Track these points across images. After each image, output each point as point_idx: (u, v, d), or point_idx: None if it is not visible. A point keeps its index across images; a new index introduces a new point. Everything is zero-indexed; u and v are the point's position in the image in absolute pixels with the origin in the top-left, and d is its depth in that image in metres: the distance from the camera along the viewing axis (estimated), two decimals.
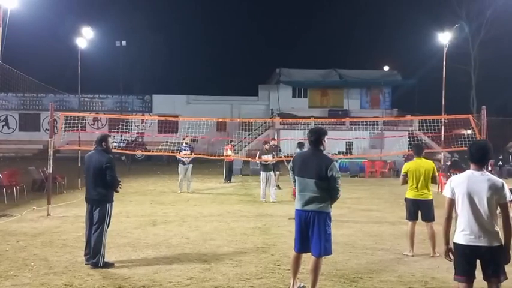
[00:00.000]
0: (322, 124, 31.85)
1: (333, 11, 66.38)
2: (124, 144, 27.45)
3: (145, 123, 34.19)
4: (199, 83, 50.21)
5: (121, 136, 29.07)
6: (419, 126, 25.49)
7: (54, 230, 8.61)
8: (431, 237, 7.08)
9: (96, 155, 6.43)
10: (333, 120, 28.54)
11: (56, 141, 12.33)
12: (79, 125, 15.88)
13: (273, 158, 13.57)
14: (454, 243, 4.19)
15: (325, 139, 5.31)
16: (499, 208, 4.09)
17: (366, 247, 7.59)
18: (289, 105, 39.16)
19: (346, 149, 27.84)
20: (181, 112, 35.28)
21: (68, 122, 14.18)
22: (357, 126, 28.11)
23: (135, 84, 43.32)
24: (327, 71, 41.53)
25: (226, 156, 18.30)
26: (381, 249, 7.47)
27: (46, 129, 34.15)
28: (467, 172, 4.20)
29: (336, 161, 6.97)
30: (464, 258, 4.09)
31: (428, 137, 25.93)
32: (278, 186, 14.82)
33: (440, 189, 14.64)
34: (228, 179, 18.78)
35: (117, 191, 6.49)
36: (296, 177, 5.28)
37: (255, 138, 33.30)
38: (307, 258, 5.30)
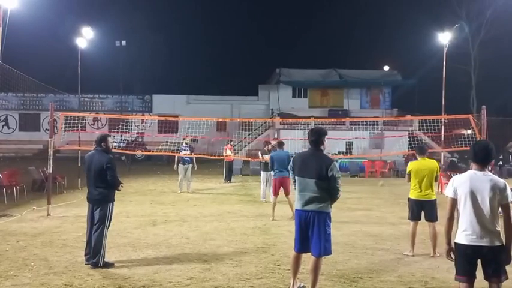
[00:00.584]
0: (322, 124, 31.89)
1: (333, 11, 66.42)
2: (124, 144, 27.45)
3: (145, 123, 34.19)
4: (199, 83, 50.25)
5: (121, 136, 29.07)
6: (419, 126, 25.47)
7: (54, 230, 8.61)
8: (432, 237, 7.08)
9: (96, 155, 6.44)
10: (333, 120, 28.55)
11: (56, 141, 12.33)
12: (79, 125, 15.88)
13: None
14: (455, 243, 4.19)
15: (325, 139, 5.31)
16: (500, 208, 4.10)
17: (366, 247, 7.58)
18: (289, 105, 39.15)
19: (346, 149, 27.84)
20: (181, 112, 35.28)
21: (68, 122, 14.18)
22: (357, 126, 28.11)
23: (135, 84, 43.34)
24: (327, 71, 41.53)
25: (226, 156, 18.30)
26: (381, 249, 7.47)
27: (46, 129, 34.16)
28: (470, 172, 4.19)
29: (336, 161, 6.98)
30: (466, 258, 4.09)
31: (428, 137, 25.91)
32: None
33: (440, 189, 14.65)
34: (228, 179, 18.78)
35: (118, 190, 6.51)
36: (296, 177, 5.28)
37: (255, 138, 33.31)
38: (307, 258, 5.30)
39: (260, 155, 14.46)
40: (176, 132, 25.22)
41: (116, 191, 6.53)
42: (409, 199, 7.40)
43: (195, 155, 15.68)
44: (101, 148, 6.50)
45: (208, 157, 16.78)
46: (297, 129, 31.22)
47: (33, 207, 11.07)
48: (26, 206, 11.43)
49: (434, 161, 7.54)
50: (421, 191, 7.15)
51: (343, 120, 29.81)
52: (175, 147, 16.46)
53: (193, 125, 20.99)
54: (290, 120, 28.91)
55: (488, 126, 11.29)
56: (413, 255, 7.03)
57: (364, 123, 30.81)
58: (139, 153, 26.18)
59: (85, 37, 20.07)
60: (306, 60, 59.26)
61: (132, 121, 31.38)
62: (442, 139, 20.38)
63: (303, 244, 5.19)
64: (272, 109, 39.28)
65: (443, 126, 20.08)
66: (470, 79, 40.46)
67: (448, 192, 4.23)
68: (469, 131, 14.77)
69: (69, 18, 37.68)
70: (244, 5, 68.29)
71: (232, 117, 36.45)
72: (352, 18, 64.09)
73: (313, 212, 5.07)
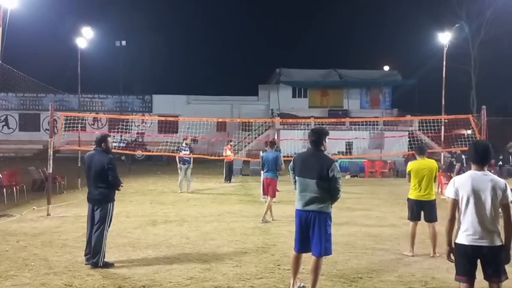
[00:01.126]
0: (322, 124, 31.93)
1: (333, 11, 66.42)
2: (124, 144, 27.47)
3: (145, 123, 34.20)
4: (199, 83, 50.26)
5: (121, 136, 29.09)
6: (419, 126, 25.51)
7: (54, 230, 8.61)
8: (432, 238, 7.08)
9: (96, 156, 6.43)
10: (333, 120, 28.57)
11: (56, 141, 12.34)
12: (79, 125, 15.89)
13: None
14: (455, 243, 4.18)
15: (326, 139, 5.30)
16: (500, 208, 4.10)
17: (366, 247, 7.58)
18: (289, 105, 39.16)
19: (346, 149, 27.85)
20: (181, 112, 35.28)
21: (68, 122, 14.19)
22: (357, 126, 28.12)
23: (135, 84, 43.36)
24: (327, 71, 41.53)
25: (226, 156, 18.31)
26: (381, 249, 7.47)
27: (46, 129, 34.16)
28: (470, 172, 4.19)
29: (336, 161, 6.99)
30: (466, 258, 4.09)
31: (428, 137, 25.93)
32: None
33: (440, 189, 14.65)
34: (228, 179, 18.78)
35: (118, 190, 6.52)
36: (297, 178, 5.28)
37: (255, 138, 33.31)
38: (307, 258, 5.30)
39: (260, 155, 14.46)
40: (176, 132, 25.24)
41: (116, 191, 6.53)
42: (408, 199, 7.40)
43: (194, 155, 15.70)
44: (101, 148, 6.50)
45: (208, 157, 16.80)
46: (297, 129, 31.21)
47: (33, 207, 11.07)
48: (26, 206, 11.43)
49: (434, 161, 7.54)
50: (420, 191, 7.14)
51: (343, 120, 29.81)
52: (176, 147, 16.44)
53: (193, 125, 21.01)
54: (290, 120, 28.92)
55: (488, 126, 11.30)
56: (413, 255, 7.03)
57: (364, 123, 30.82)
58: (139, 153, 26.18)
59: (85, 37, 20.07)
60: (306, 60, 59.34)
61: (132, 121, 31.41)
62: (442, 139, 20.40)
63: (303, 244, 5.19)
64: (272, 109, 39.28)
65: (443, 126, 20.09)
66: (470, 79, 40.45)
67: (449, 193, 4.23)
68: (469, 131, 14.78)
69: (69, 18, 37.70)
70: (244, 5, 68.34)
71: (232, 117, 36.46)
72: (352, 18, 64.17)
73: (314, 212, 5.07)
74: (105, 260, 6.26)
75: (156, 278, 5.76)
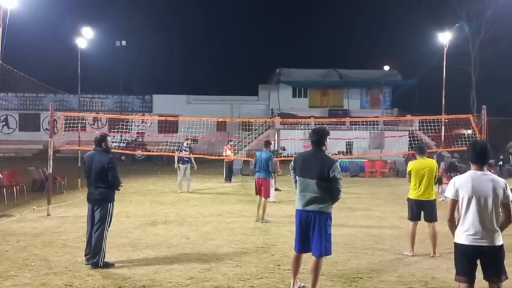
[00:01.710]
0: (322, 124, 31.94)
1: (333, 11, 66.41)
2: (124, 144, 27.46)
3: (145, 123, 34.18)
4: (199, 83, 50.26)
5: (121, 136, 29.08)
6: (419, 126, 25.48)
7: (54, 230, 8.61)
8: (432, 237, 7.08)
9: (96, 156, 6.42)
10: (333, 120, 28.54)
11: (56, 141, 12.33)
12: (79, 125, 15.89)
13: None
14: (455, 243, 4.19)
15: (327, 140, 5.29)
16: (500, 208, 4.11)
17: (366, 247, 7.58)
18: (289, 105, 39.16)
19: (346, 149, 27.84)
20: (181, 112, 35.26)
21: (68, 122, 14.18)
22: (357, 126, 28.12)
23: (135, 84, 43.36)
24: (327, 71, 41.54)
25: (226, 156, 18.31)
26: (381, 249, 7.46)
27: (46, 129, 34.16)
28: (470, 172, 4.18)
29: (337, 161, 7.01)
30: (466, 258, 4.09)
31: (429, 136, 25.93)
32: (277, 189, 14.77)
33: (440, 189, 14.64)
34: (228, 179, 18.78)
35: (118, 190, 6.51)
36: (297, 177, 5.27)
37: (255, 138, 33.31)
38: (308, 258, 5.30)
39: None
40: (176, 132, 25.23)
41: (116, 191, 6.53)
42: (408, 199, 7.40)
43: (194, 155, 15.72)
44: (100, 148, 6.49)
45: (208, 157, 16.79)
46: (297, 129, 31.19)
47: (33, 207, 11.07)
48: (26, 206, 11.42)
49: (434, 160, 7.54)
50: (420, 190, 7.14)
51: (343, 120, 29.81)
52: (176, 147, 16.45)
53: (193, 125, 20.99)
54: (290, 120, 28.91)
55: (488, 126, 11.29)
56: (413, 255, 7.03)
57: (364, 123, 30.81)
58: (139, 153, 26.17)
59: (85, 37, 20.10)
60: (306, 60, 59.34)
61: (132, 121, 31.36)
62: (442, 139, 20.41)
63: (303, 244, 5.19)
64: (272, 109, 39.28)
65: (443, 126, 20.10)
66: (470, 79, 40.46)
67: (449, 193, 4.23)
68: (469, 131, 14.78)
69: (69, 18, 37.74)
70: (244, 5, 68.33)
71: (232, 117, 36.45)
72: (352, 18, 64.14)
73: (314, 212, 5.07)
74: (105, 260, 6.25)
75: (156, 278, 5.75)
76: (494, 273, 4.04)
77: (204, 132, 19.95)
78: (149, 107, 40.86)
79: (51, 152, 10.78)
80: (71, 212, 10.75)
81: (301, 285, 5.42)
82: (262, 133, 35.18)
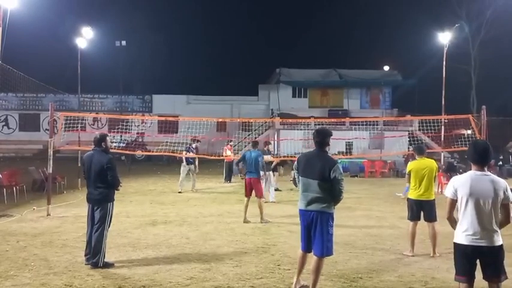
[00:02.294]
0: (322, 124, 31.92)
1: (333, 11, 66.47)
2: (124, 145, 27.46)
3: (145, 123, 34.18)
4: (199, 83, 50.30)
5: (121, 136, 29.08)
6: (419, 126, 25.48)
7: (54, 230, 8.61)
8: (432, 237, 7.08)
9: (96, 156, 6.42)
10: (333, 120, 28.51)
11: (56, 141, 12.33)
12: (79, 125, 15.89)
13: (273, 157, 13.69)
14: (454, 243, 4.19)
15: (330, 141, 5.34)
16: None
17: (366, 247, 7.58)
18: (289, 105, 39.15)
19: (346, 149, 27.85)
20: (181, 112, 35.27)
21: (68, 122, 14.18)
22: (357, 126, 28.12)
23: (135, 84, 43.34)
24: (327, 71, 41.53)
25: (226, 156, 18.30)
26: (381, 249, 7.46)
27: (46, 129, 34.15)
28: (470, 173, 4.18)
29: (338, 161, 7.02)
30: (465, 258, 4.09)
31: (428, 137, 25.92)
32: (277, 189, 14.78)
33: (440, 189, 14.65)
34: (228, 179, 18.78)
35: (118, 190, 6.51)
36: (300, 178, 5.32)
37: (255, 138, 33.30)
38: (309, 258, 5.30)
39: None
40: (176, 132, 25.22)
41: (116, 191, 6.52)
42: (408, 199, 7.40)
43: (198, 156, 15.82)
44: (100, 148, 6.49)
45: (208, 157, 16.79)
46: (297, 129, 31.21)
47: (33, 207, 11.07)
48: (26, 206, 11.42)
49: (433, 160, 7.53)
50: (420, 191, 7.14)
51: (343, 120, 29.79)
52: (182, 147, 16.43)
53: (193, 125, 20.97)
54: (290, 120, 28.90)
55: (488, 126, 11.29)
56: (413, 255, 7.03)
57: (364, 123, 30.80)
58: (139, 153, 26.17)
59: (85, 37, 20.09)
60: (306, 60, 59.37)
61: (132, 121, 31.37)
62: (442, 139, 20.40)
63: (307, 244, 5.26)
64: (272, 109, 39.28)
65: (443, 126, 20.09)
66: (470, 79, 40.44)
67: (448, 192, 4.23)
68: (469, 131, 14.77)
69: (69, 18, 37.73)
70: (244, 5, 68.40)
71: (232, 117, 36.46)
72: (352, 18, 64.22)
73: (316, 212, 5.11)
74: (105, 260, 6.25)
75: (156, 278, 5.75)
76: (494, 273, 4.04)
77: (204, 133, 19.92)
78: (149, 107, 40.86)
79: (51, 152, 10.78)
80: (71, 212, 10.75)
81: (304, 284, 5.42)
82: (262, 133, 35.19)
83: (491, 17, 38.15)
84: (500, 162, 23.88)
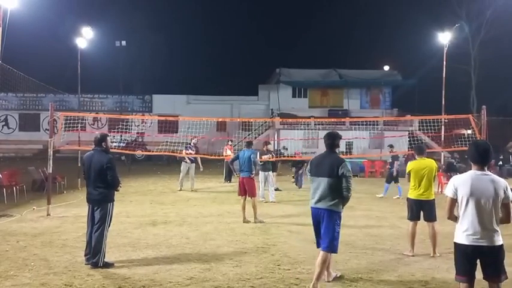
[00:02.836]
0: (322, 124, 31.95)
1: (333, 11, 66.47)
2: (124, 144, 27.46)
3: (145, 123, 34.18)
4: (199, 83, 50.27)
5: (121, 136, 29.08)
6: (419, 126, 25.47)
7: (54, 230, 8.61)
8: (432, 237, 7.08)
9: (96, 156, 6.42)
10: (333, 120, 28.54)
11: (56, 141, 12.32)
12: (79, 125, 15.88)
13: (272, 157, 13.71)
14: (455, 243, 4.19)
15: (339, 142, 5.69)
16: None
17: (366, 247, 7.58)
18: (289, 105, 39.17)
19: (346, 149, 27.85)
20: (181, 112, 35.26)
21: (68, 122, 14.16)
22: (357, 126, 28.13)
23: (135, 84, 43.34)
24: (327, 71, 41.54)
25: (226, 156, 18.29)
26: (381, 249, 7.46)
27: (46, 129, 34.14)
28: (470, 172, 4.18)
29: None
30: (466, 258, 4.09)
31: (428, 137, 25.92)
32: (277, 189, 14.78)
33: (440, 189, 14.65)
34: (228, 179, 18.76)
35: (117, 190, 6.50)
36: (311, 177, 5.63)
37: (255, 138, 33.32)
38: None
39: (258, 155, 14.46)
40: (176, 132, 25.22)
41: (116, 191, 6.52)
42: (408, 199, 7.40)
43: (199, 155, 15.86)
44: (100, 148, 6.48)
45: (208, 157, 16.79)
46: (297, 129, 31.24)
47: (33, 207, 11.06)
48: (26, 206, 11.42)
49: (433, 160, 7.53)
50: (420, 190, 7.14)
51: (343, 120, 29.82)
52: (182, 147, 16.49)
53: (193, 125, 20.97)
54: (290, 120, 28.91)
55: (488, 126, 11.28)
56: (413, 255, 7.03)
57: (364, 123, 30.81)
58: (139, 153, 26.17)
59: (85, 37, 20.09)
60: (306, 60, 59.36)
61: (132, 121, 31.39)
62: (442, 139, 20.39)
63: (318, 240, 5.51)
64: (272, 109, 39.29)
65: (443, 126, 20.09)
66: (470, 79, 40.43)
67: (448, 192, 4.23)
68: (469, 131, 14.77)
69: (69, 18, 37.69)
70: (244, 5, 68.41)
71: (232, 117, 36.46)
72: (352, 18, 64.20)
73: (324, 209, 5.38)
74: (105, 260, 6.25)
75: (156, 278, 5.75)
76: (494, 273, 4.04)
77: (204, 132, 19.91)
78: (149, 107, 40.86)
79: (51, 152, 10.78)
80: (71, 212, 10.75)
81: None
82: (262, 133, 35.22)
83: (491, 17, 38.15)
84: (500, 162, 23.87)
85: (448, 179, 11.78)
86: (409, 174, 7.29)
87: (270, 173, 13.43)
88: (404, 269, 6.34)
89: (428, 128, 18.69)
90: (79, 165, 15.02)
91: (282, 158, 20.04)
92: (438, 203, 7.25)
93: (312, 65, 43.75)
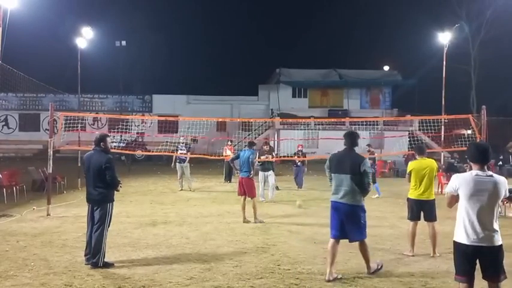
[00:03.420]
0: (322, 124, 31.96)
1: (333, 11, 66.45)
2: (124, 144, 27.46)
3: (145, 123, 34.18)
4: (199, 83, 50.24)
5: (121, 136, 29.07)
6: (419, 126, 25.46)
7: (54, 230, 8.61)
8: (432, 237, 7.08)
9: (95, 155, 6.42)
10: (333, 120, 28.53)
11: (56, 141, 12.32)
12: (79, 125, 15.87)
13: (272, 157, 13.70)
14: (455, 242, 4.19)
15: (358, 141, 6.05)
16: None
17: None
18: (289, 105, 39.17)
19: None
20: (181, 112, 35.28)
21: (68, 122, 14.16)
22: (357, 126, 28.12)
23: (135, 84, 43.32)
24: (327, 71, 41.54)
25: (226, 156, 18.28)
26: (381, 249, 7.46)
27: (46, 129, 34.13)
28: (472, 172, 4.19)
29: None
30: (466, 258, 4.09)
31: (428, 137, 25.92)
32: (277, 187, 14.78)
33: (440, 189, 14.65)
34: (228, 179, 18.76)
35: (117, 190, 6.49)
36: (333, 174, 5.96)
37: (255, 138, 33.31)
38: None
39: (257, 155, 14.45)
40: (176, 132, 25.24)
41: (116, 191, 6.51)
42: (408, 199, 7.39)
43: (192, 155, 15.86)
44: (100, 148, 6.48)
45: (208, 157, 16.79)
46: (297, 129, 31.22)
47: (33, 207, 11.06)
48: (26, 206, 11.42)
49: (433, 160, 7.52)
50: (420, 190, 7.14)
51: (343, 120, 29.80)
52: (175, 147, 16.59)
53: (193, 125, 20.97)
54: (290, 120, 28.91)
55: (488, 126, 11.28)
56: (413, 255, 7.03)
57: (364, 123, 30.82)
58: (139, 153, 26.16)
59: (85, 37, 20.08)
60: (306, 60, 59.31)
61: (132, 121, 31.39)
62: (442, 139, 20.39)
63: (340, 231, 5.84)
64: (272, 109, 39.29)
65: (443, 126, 20.08)
66: (470, 79, 40.40)
67: (450, 188, 4.24)
68: (469, 131, 14.76)
69: (69, 18, 37.68)
70: (244, 5, 68.38)
71: (232, 117, 36.47)
72: (352, 18, 64.17)
73: (348, 204, 5.76)
74: (105, 260, 6.25)
75: (156, 278, 5.75)
76: (494, 273, 4.05)
77: (204, 132, 19.92)
78: (149, 107, 40.85)
79: (51, 152, 10.78)
80: (71, 212, 10.75)
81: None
82: (262, 133, 35.22)
83: (491, 17, 38.11)
84: (500, 162, 23.85)
85: (448, 179, 11.78)
86: (409, 174, 7.28)
87: (271, 172, 13.42)
88: (404, 269, 6.34)
89: (428, 128, 18.67)
90: (79, 165, 15.02)
91: (283, 158, 20.05)
92: (438, 203, 7.26)
93: (312, 65, 43.78)
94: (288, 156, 20.96)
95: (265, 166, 13.40)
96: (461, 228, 4.13)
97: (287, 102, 39.50)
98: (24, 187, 13.35)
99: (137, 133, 32.36)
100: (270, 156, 13.80)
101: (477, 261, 4.10)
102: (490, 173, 4.18)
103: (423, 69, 36.61)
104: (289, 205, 12.37)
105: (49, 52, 38.21)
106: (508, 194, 4.19)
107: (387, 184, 18.79)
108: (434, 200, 7.22)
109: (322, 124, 32.12)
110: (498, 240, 4.06)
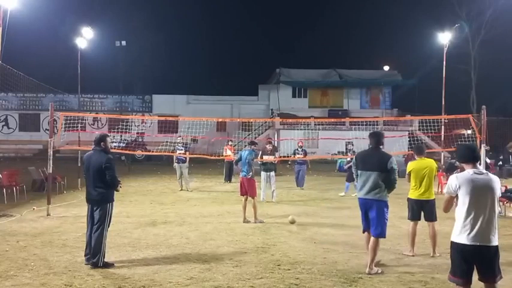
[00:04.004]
0: (322, 124, 31.96)
1: (333, 11, 66.49)
2: (124, 144, 27.46)
3: (145, 123, 34.19)
4: (199, 83, 50.27)
5: (121, 136, 29.08)
6: (419, 126, 25.48)
7: (54, 230, 8.61)
8: (432, 237, 7.08)
9: (95, 155, 6.41)
10: (333, 120, 28.53)
11: (55, 141, 12.31)
12: (79, 125, 15.86)
13: (275, 158, 13.69)
14: (452, 242, 4.19)
15: (383, 140, 6.32)
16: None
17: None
18: (289, 105, 39.19)
19: (346, 149, 27.84)
20: (181, 112, 35.29)
21: (68, 122, 14.16)
22: (357, 126, 28.09)
23: (135, 84, 43.35)
24: (327, 71, 41.55)
25: (226, 156, 18.29)
26: (381, 249, 7.41)
27: (46, 129, 34.16)
28: (469, 171, 4.21)
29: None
30: (463, 258, 4.09)
31: (428, 137, 25.91)
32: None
33: (440, 189, 14.64)
34: (228, 179, 18.76)
35: (117, 190, 6.49)
36: (359, 171, 6.21)
37: (255, 138, 33.32)
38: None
39: (260, 154, 14.44)
40: (176, 132, 25.24)
41: (116, 191, 6.51)
42: (408, 199, 7.40)
43: (191, 155, 15.88)
44: (99, 148, 6.47)
45: (208, 157, 16.79)
46: (297, 129, 31.21)
47: (33, 207, 11.06)
48: (26, 206, 11.42)
49: (433, 160, 7.52)
50: (420, 191, 7.14)
51: (343, 120, 29.83)
52: (173, 147, 16.64)
53: (193, 125, 20.97)
54: (290, 120, 28.90)
55: (488, 126, 11.28)
56: (413, 255, 7.03)
57: (364, 123, 30.78)
58: (139, 153, 26.17)
59: (85, 37, 20.07)
60: (306, 60, 59.25)
61: (132, 121, 31.40)
62: (442, 139, 20.39)
63: (368, 224, 6.18)
64: (272, 109, 39.30)
65: (443, 126, 20.09)
66: (470, 79, 40.42)
67: (450, 189, 4.23)
68: (469, 131, 14.75)
69: (69, 18, 37.73)
70: (244, 5, 68.38)
71: (232, 117, 36.47)
72: (352, 18, 64.25)
73: (373, 200, 6.03)
74: (105, 260, 6.25)
75: (156, 278, 5.75)
76: (491, 273, 4.06)
77: (204, 132, 19.92)
78: (149, 107, 40.86)
79: (51, 152, 10.78)
80: (71, 212, 10.75)
81: (379, 271, 6.02)
82: (262, 133, 35.22)
83: (491, 17, 38.13)
84: (500, 162, 23.84)
85: (446, 179, 11.77)
86: (409, 174, 7.28)
87: (272, 173, 13.40)
88: (404, 269, 6.34)
89: (428, 128, 18.67)
90: (79, 165, 15.02)
91: (283, 158, 20.05)
92: (438, 203, 7.25)
93: (312, 65, 43.79)
94: (288, 156, 20.95)
95: (268, 166, 13.36)
96: (461, 227, 4.13)
97: (287, 102, 39.53)
98: (24, 187, 13.34)
99: (137, 133, 32.38)
100: (273, 156, 13.75)
101: (475, 262, 4.10)
102: (484, 171, 4.23)
103: (423, 69, 36.69)
104: (289, 205, 12.36)
105: (49, 52, 38.27)
106: (500, 194, 4.21)
107: None
108: (434, 200, 7.22)
109: (322, 124, 32.13)
110: (495, 240, 4.08)
